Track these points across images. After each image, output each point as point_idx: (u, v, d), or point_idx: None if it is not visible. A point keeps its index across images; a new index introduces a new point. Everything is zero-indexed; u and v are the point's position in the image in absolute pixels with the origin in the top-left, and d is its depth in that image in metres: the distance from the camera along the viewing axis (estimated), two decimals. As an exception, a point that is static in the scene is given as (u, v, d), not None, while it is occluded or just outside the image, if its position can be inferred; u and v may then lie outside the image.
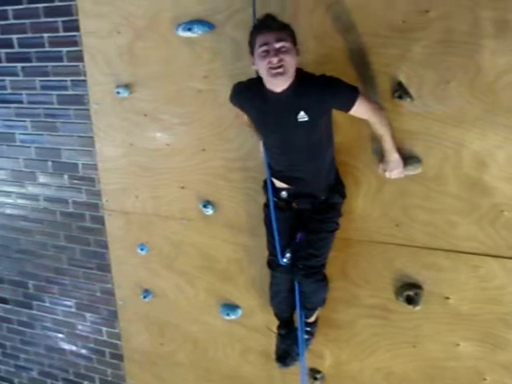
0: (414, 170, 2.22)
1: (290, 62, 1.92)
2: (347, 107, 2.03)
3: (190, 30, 2.46)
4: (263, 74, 1.97)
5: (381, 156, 2.22)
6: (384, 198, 2.35)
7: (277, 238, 2.27)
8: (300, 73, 2.00)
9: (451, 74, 2.07)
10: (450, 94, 2.10)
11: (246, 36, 2.18)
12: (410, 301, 2.37)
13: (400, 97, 2.15)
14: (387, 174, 2.21)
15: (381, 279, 2.47)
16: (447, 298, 2.37)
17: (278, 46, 1.89)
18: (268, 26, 1.92)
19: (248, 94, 2.17)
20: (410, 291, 2.37)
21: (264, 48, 1.91)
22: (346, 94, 2.01)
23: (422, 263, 2.37)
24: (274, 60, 1.89)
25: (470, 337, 2.38)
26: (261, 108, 2.12)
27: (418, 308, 2.38)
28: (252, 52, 2.00)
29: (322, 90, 1.99)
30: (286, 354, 2.55)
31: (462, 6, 1.98)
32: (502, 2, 1.92)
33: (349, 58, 2.20)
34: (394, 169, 2.18)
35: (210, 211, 2.75)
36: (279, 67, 1.89)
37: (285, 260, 2.31)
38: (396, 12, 2.09)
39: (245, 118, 2.32)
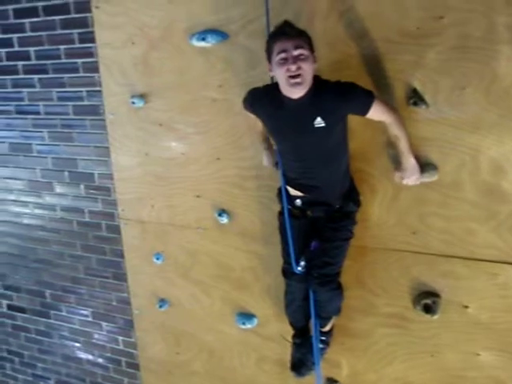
0: (430, 177, 2.20)
1: (308, 70, 1.92)
2: (364, 112, 2.02)
3: (203, 39, 2.48)
4: (281, 81, 1.97)
5: (396, 163, 2.21)
6: (400, 206, 2.33)
7: (291, 246, 2.26)
8: (316, 79, 2.00)
9: (466, 80, 2.06)
10: (465, 100, 2.08)
11: (259, 45, 2.20)
12: (428, 309, 2.34)
13: (415, 103, 2.13)
14: (404, 181, 2.18)
15: (398, 287, 2.45)
16: (466, 307, 2.33)
17: (296, 53, 1.89)
18: (286, 33, 1.91)
19: (264, 99, 2.16)
20: (427, 300, 2.34)
21: (282, 55, 1.90)
22: (361, 99, 2.01)
23: (439, 271, 2.34)
24: (293, 67, 1.88)
25: (490, 346, 2.34)
26: (277, 114, 2.11)
27: (435, 317, 2.34)
28: (269, 59, 1.99)
29: (338, 96, 1.98)
30: (301, 364, 2.53)
31: (476, 12, 1.96)
32: (518, 7, 1.91)
33: (363, 64, 2.20)
34: (411, 175, 2.16)
35: (225, 220, 2.75)
36: (298, 76, 1.89)
37: (299, 268, 2.29)
38: (410, 18, 2.08)
39: (257, 126, 2.33)
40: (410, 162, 2.13)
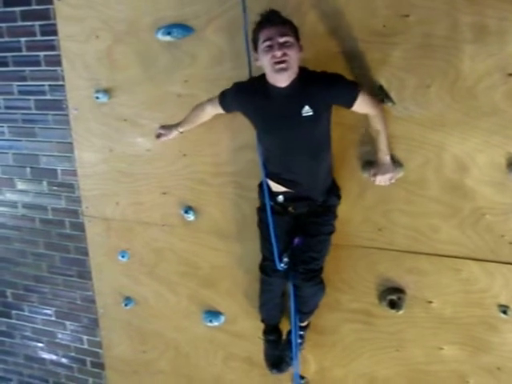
0: (395, 175, 2.22)
1: (294, 57, 1.92)
2: (350, 103, 2.04)
3: (169, 34, 2.44)
4: (267, 68, 1.97)
5: (363, 161, 2.24)
6: (366, 203, 2.34)
7: (274, 243, 2.23)
8: (303, 69, 2.01)
9: (431, 78, 2.08)
10: (430, 98, 2.11)
11: (225, 40, 2.19)
12: (393, 305, 2.37)
13: (381, 101, 2.14)
14: (378, 179, 2.17)
15: (364, 284, 2.47)
16: (430, 302, 2.37)
17: (281, 40, 1.89)
18: (271, 21, 1.92)
19: (250, 92, 2.14)
20: (392, 295, 2.37)
21: (268, 43, 1.90)
22: (348, 90, 2.03)
23: (404, 267, 2.37)
24: (278, 53, 1.88)
25: (453, 340, 2.38)
26: (264, 105, 2.09)
27: (400, 312, 2.37)
28: (255, 48, 2.00)
29: (325, 85, 2.00)
30: (280, 360, 2.52)
31: (440, 11, 1.99)
32: (480, 7, 1.94)
33: (329, 62, 2.19)
34: (386, 173, 2.15)
35: (191, 217, 2.72)
36: (283, 62, 1.89)
37: (282, 265, 2.27)
38: (376, 16, 2.09)
39: (200, 117, 2.39)
40: (386, 159, 2.14)
